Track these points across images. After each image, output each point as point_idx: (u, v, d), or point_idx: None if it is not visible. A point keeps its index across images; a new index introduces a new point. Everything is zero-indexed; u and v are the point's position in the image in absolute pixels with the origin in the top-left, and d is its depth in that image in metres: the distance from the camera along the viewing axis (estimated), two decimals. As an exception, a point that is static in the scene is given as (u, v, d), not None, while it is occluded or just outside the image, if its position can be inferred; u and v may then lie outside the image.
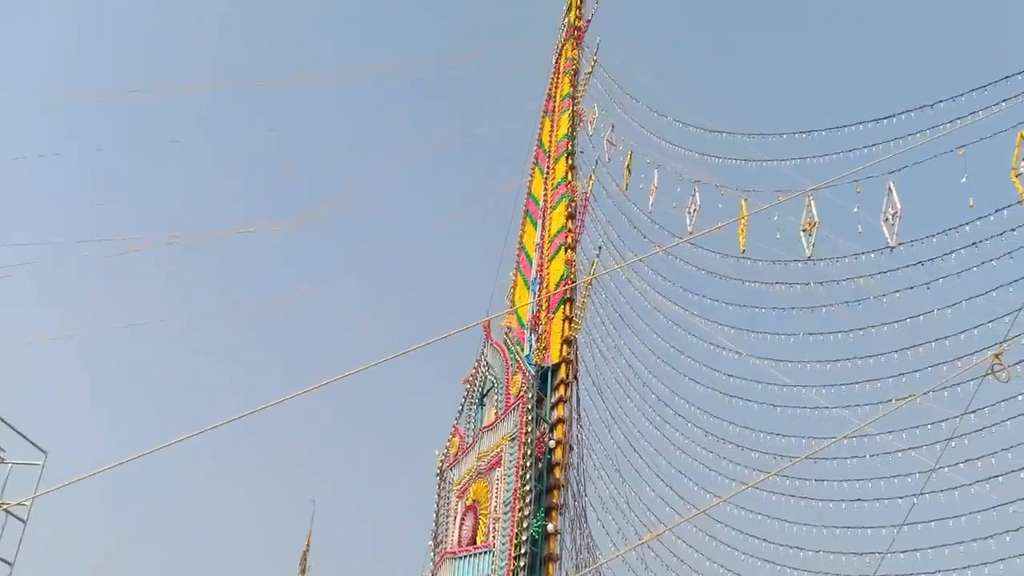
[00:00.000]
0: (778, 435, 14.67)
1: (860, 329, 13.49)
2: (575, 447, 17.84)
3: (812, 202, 13.09)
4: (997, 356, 10.64)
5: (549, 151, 22.94)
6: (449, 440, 20.33)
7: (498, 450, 17.82)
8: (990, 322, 11.64)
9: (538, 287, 20.53)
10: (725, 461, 15.52)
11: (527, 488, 16.37)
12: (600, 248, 19.86)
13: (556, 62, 24.37)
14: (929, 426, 12.26)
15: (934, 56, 47.14)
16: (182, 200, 49.83)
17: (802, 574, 13.78)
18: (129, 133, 50.55)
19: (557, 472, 17.18)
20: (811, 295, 14.18)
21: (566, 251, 19.97)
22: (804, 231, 13.10)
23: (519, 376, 18.11)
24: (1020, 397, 11.12)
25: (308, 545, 29.70)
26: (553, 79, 24.20)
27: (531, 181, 23.27)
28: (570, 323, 19.08)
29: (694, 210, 15.57)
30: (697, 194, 15.56)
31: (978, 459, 11.66)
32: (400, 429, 47.09)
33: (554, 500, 16.84)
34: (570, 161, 21.67)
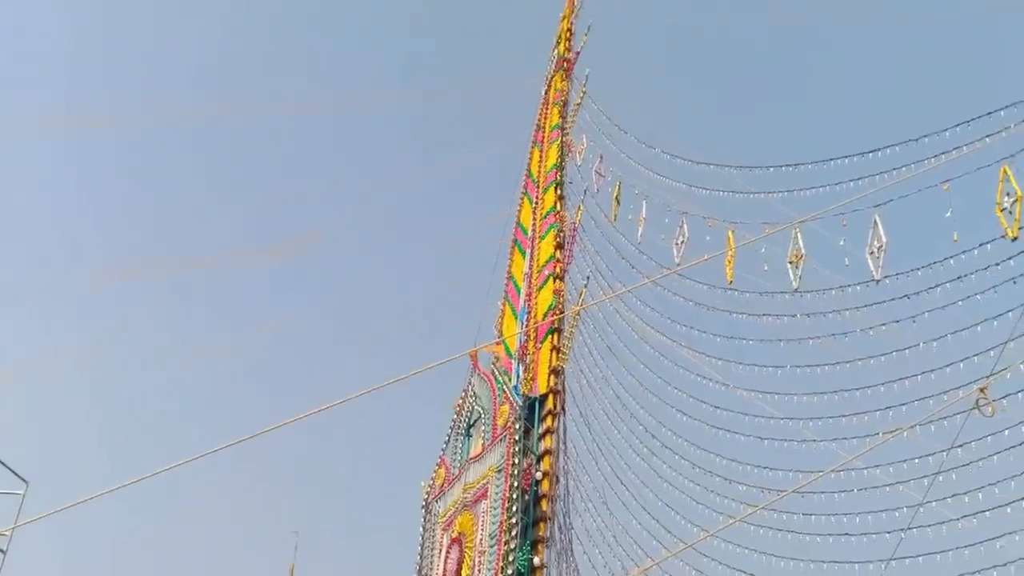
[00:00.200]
0: (765, 468, 14.62)
1: (847, 362, 13.50)
2: (562, 479, 17.70)
3: (799, 234, 13.16)
4: (982, 390, 10.64)
5: (538, 181, 23.03)
6: (435, 471, 20.16)
7: (484, 482, 17.67)
8: (975, 355, 11.66)
9: (526, 317, 20.50)
10: (712, 494, 15.44)
11: (513, 521, 16.20)
12: (588, 278, 19.87)
13: (545, 93, 24.56)
14: (916, 460, 12.24)
15: (919, 91, 47.76)
16: (168, 227, 49.68)
17: (791, 609, 13.66)
18: (117, 159, 50.60)
19: (544, 504, 17.01)
20: (798, 327, 14.21)
21: (554, 281, 19.96)
22: (791, 263, 13.14)
23: (506, 406, 18.02)
24: (1006, 432, 11.11)
25: (291, 577, 29.27)
26: (542, 110, 24.38)
27: (520, 211, 23.34)
28: (558, 353, 19.02)
29: (682, 241, 15.61)
30: (685, 225, 15.62)
31: (965, 494, 11.63)
32: (386, 460, 46.68)
33: (540, 533, 16.65)
34: (559, 191, 21.75)
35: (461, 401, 20.18)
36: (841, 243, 12.52)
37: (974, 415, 11.05)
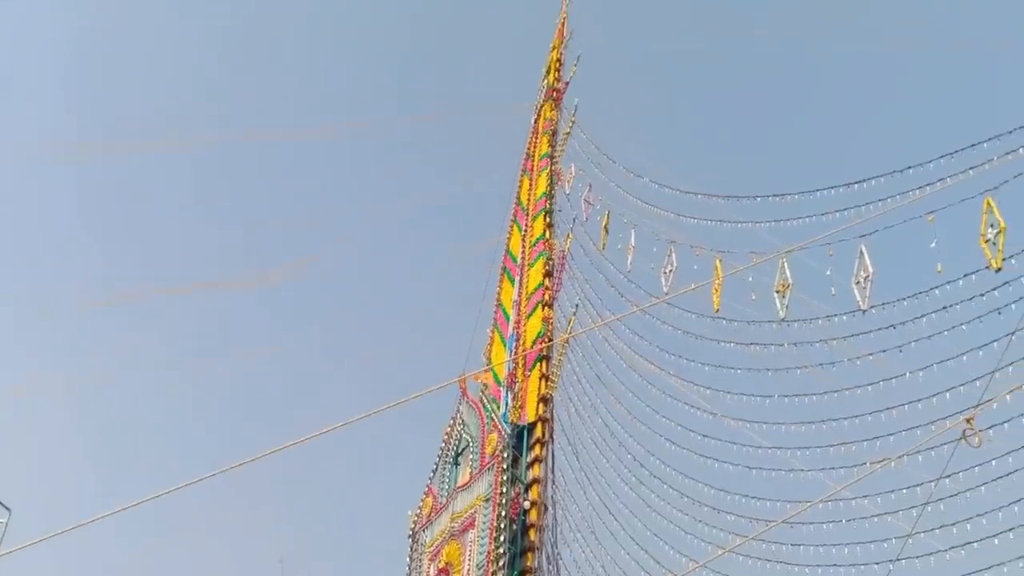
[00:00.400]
0: (754, 498, 14.57)
1: (834, 391, 13.52)
2: (550, 508, 17.58)
3: (786, 264, 13.23)
4: (969, 421, 10.66)
5: (527, 209, 23.11)
6: (422, 500, 19.98)
7: (472, 511, 17.53)
8: (962, 385, 11.69)
9: (515, 344, 20.46)
10: (701, 524, 15.36)
11: (501, 551, 16.05)
12: (577, 306, 19.89)
13: (535, 122, 24.74)
14: (904, 490, 12.23)
15: (904, 123, 48.36)
16: (157, 252, 49.56)
17: (780, 640, 13.55)
18: (107, 185, 50.56)
19: (532, 534, 16.86)
20: (785, 356, 14.23)
21: (543, 308, 19.95)
22: (778, 292, 13.20)
23: (495, 435, 17.92)
24: (993, 462, 11.12)
25: (276, 607, 28.87)
26: (532, 138, 24.54)
27: (509, 238, 23.39)
28: (546, 381, 18.96)
29: (670, 270, 15.67)
30: (673, 254, 15.68)
31: (953, 525, 11.60)
32: (372, 488, 46.29)
33: (528, 563, 16.48)
34: (548, 219, 21.82)
35: (449, 429, 20.07)
36: (827, 273, 12.61)
37: (962, 446, 11.08)
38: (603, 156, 21.14)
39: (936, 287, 11.93)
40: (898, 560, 12.17)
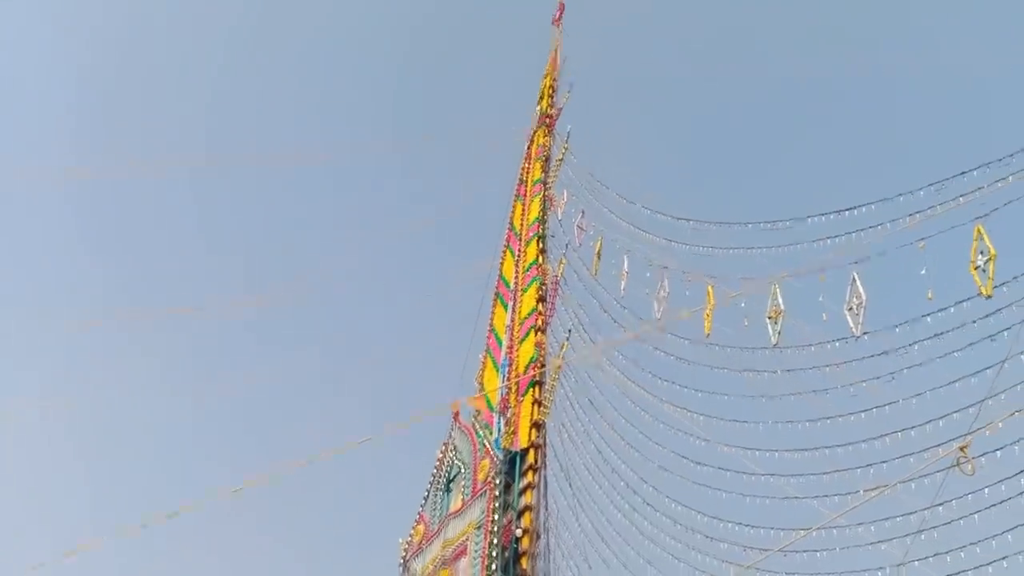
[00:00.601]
0: (748, 526, 14.46)
1: (827, 418, 13.48)
2: (542, 536, 17.43)
3: (778, 290, 13.25)
4: (963, 449, 10.64)
5: (520, 234, 23.15)
6: (413, 527, 19.81)
7: (464, 538, 17.38)
8: (955, 413, 11.67)
9: (507, 369, 20.39)
10: (694, 552, 15.23)
11: (492, 579, 15.89)
12: (570, 331, 19.86)
13: (528, 148, 24.86)
14: (898, 518, 12.16)
15: (895, 151, 48.76)
16: (151, 275, 49.43)
17: (774, 670, 13.40)
18: (98, 208, 50.51)
19: (524, 562, 16.70)
20: (778, 383, 14.20)
21: (536, 334, 19.92)
22: (770, 318, 13.22)
23: (487, 461, 17.81)
24: (986, 490, 11.07)
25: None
26: (525, 164, 24.64)
27: (502, 263, 23.40)
28: (539, 407, 18.88)
29: (663, 296, 15.68)
30: (666, 280, 15.72)
31: (947, 553, 11.53)
32: (363, 515, 45.91)
33: (520, 591, 16.35)
34: (541, 245, 21.86)
35: (441, 455, 19.95)
36: (819, 299, 12.64)
37: (955, 473, 11.05)
38: (596, 182, 21.28)
39: (928, 314, 11.96)
40: (892, 589, 12.09)
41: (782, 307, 12.98)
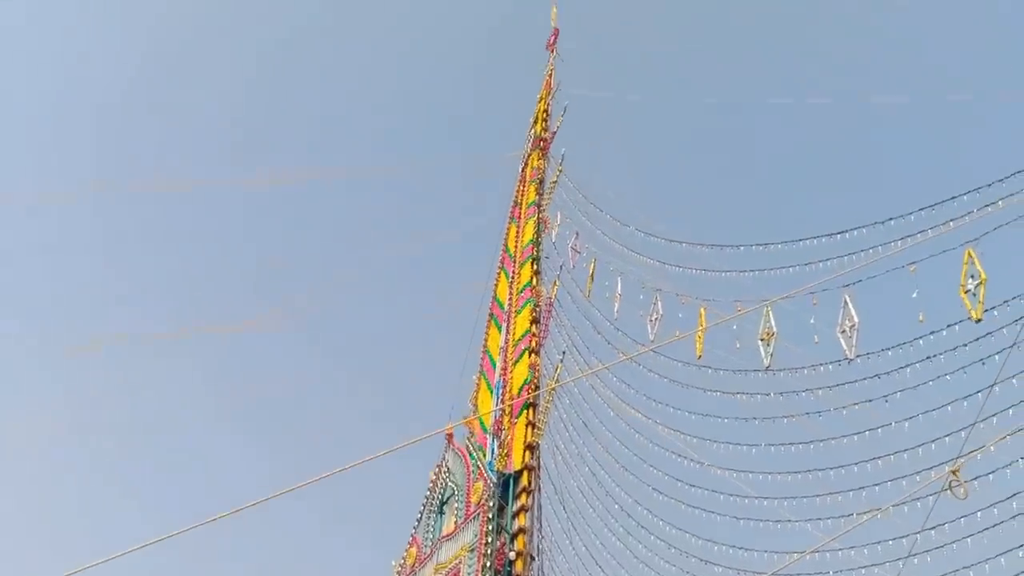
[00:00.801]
0: (742, 548, 14.43)
1: (820, 441, 13.50)
2: (536, 559, 17.35)
3: (770, 312, 13.31)
4: (954, 472, 10.66)
5: (515, 256, 23.22)
6: (406, 550, 19.69)
7: (457, 561, 17.28)
8: (947, 436, 11.70)
9: (501, 391, 20.36)
10: (688, 576, 15.18)
11: (485, 603, 15.81)
12: (564, 353, 19.87)
13: (522, 171, 25.03)
14: (890, 541, 12.16)
15: (886, 175, 49.13)
16: (142, 298, 49.37)
17: None
18: (93, 229, 50.52)
19: (517, 585, 16.63)
20: (771, 405, 14.23)
21: (530, 355, 19.92)
22: (762, 341, 13.26)
23: (480, 483, 17.75)
24: (979, 514, 11.09)
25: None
26: (519, 187, 24.79)
27: (496, 285, 23.45)
28: (533, 428, 18.84)
29: (656, 318, 15.73)
30: (659, 302, 15.77)
31: (940, 577, 11.53)
32: (355, 538, 45.60)
33: (514, 615, 16.24)
34: (535, 266, 21.92)
35: (435, 477, 19.87)
36: (811, 321, 12.69)
37: (948, 496, 11.06)
38: (590, 205, 21.41)
39: (920, 337, 12.01)
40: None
41: (774, 329, 13.03)
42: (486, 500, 17.13)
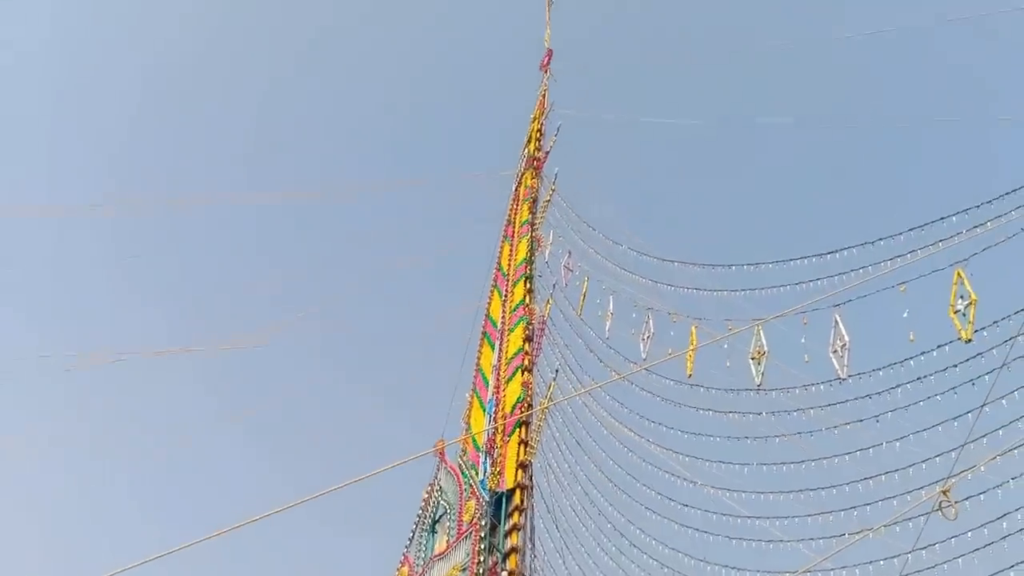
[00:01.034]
0: (734, 568, 14.40)
1: (812, 460, 13.52)
2: (528, 578, 17.28)
3: (761, 331, 13.36)
4: (945, 492, 10.69)
5: (508, 274, 23.28)
6: (398, 569, 19.59)
7: (448, 581, 17.21)
8: (937, 456, 11.73)
9: (494, 409, 20.35)
10: (680, 596, 15.13)
11: (477, 622, 15.73)
12: (557, 371, 19.88)
13: (516, 190, 25.14)
14: (882, 561, 12.15)
15: (876, 195, 49.45)
16: (126, 317, 49.16)
17: None
18: (90, 246, 50.39)
19: (509, 605, 16.56)
20: (763, 424, 14.25)
21: (523, 373, 19.93)
22: (753, 359, 13.30)
23: (472, 502, 17.70)
24: (969, 534, 11.11)
25: None
26: (513, 206, 24.89)
27: (490, 303, 23.49)
28: (526, 447, 18.82)
29: (648, 337, 15.78)
30: (651, 321, 15.82)
31: (930, 597, 11.53)
32: (347, 557, 45.24)
33: (505, 635, 16.17)
34: (528, 285, 21.98)
35: (427, 495, 19.80)
36: (802, 341, 12.74)
37: (939, 516, 11.09)
38: (583, 224, 21.51)
39: (910, 357, 12.06)
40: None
41: (766, 348, 13.08)
42: (478, 519, 17.09)
